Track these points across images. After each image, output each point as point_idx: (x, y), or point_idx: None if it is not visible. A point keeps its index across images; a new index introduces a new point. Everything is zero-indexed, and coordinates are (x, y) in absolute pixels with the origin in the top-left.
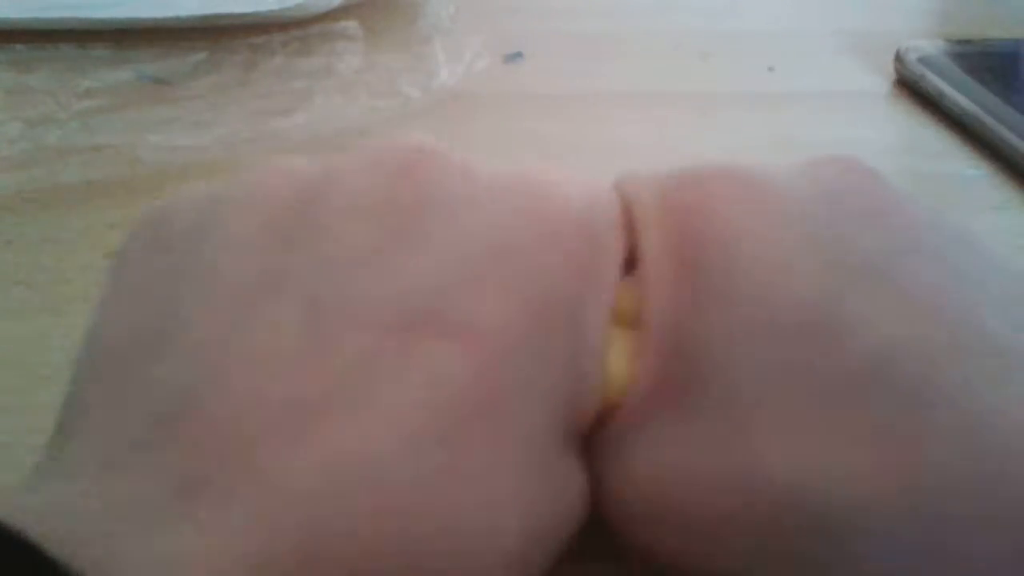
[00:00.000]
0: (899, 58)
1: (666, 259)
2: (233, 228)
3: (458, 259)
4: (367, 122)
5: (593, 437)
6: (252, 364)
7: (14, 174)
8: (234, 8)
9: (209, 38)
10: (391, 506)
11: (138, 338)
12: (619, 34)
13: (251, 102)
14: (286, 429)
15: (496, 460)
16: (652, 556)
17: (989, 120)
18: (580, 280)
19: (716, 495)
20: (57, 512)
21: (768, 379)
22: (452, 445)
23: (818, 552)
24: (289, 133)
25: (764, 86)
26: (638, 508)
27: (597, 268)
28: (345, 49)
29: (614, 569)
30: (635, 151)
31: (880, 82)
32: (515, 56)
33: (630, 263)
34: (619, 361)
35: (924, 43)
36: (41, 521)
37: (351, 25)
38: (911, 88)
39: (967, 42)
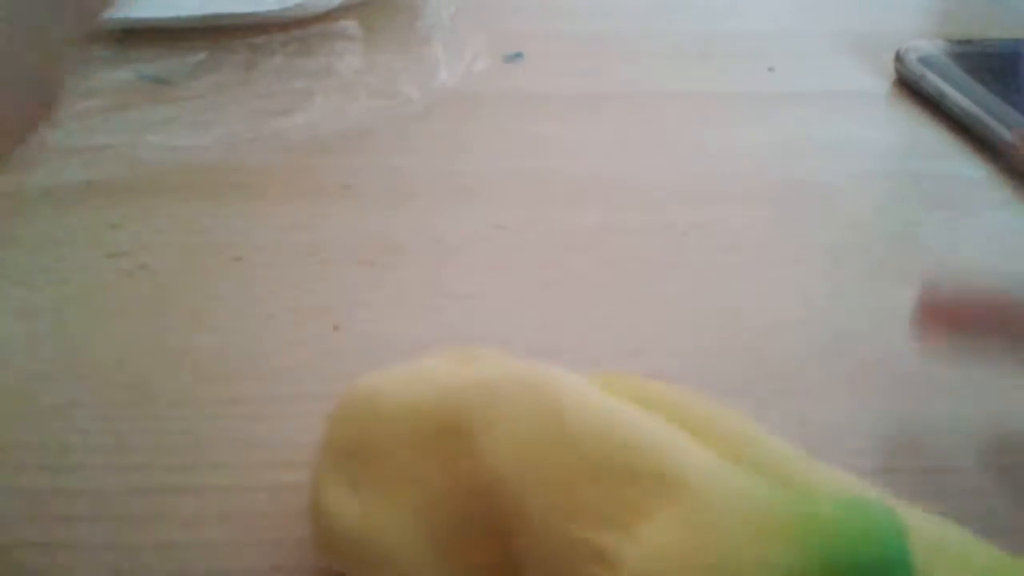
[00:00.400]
0: (899, 58)
1: None
2: None
3: None
4: (367, 122)
5: None
6: None
7: (14, 174)
8: (234, 8)
9: (209, 38)
10: None
11: None
12: (619, 34)
13: (251, 102)
14: None
15: None
16: None
17: (989, 120)
18: None
19: None
20: None
21: None
22: None
23: None
24: (289, 133)
25: (764, 86)
26: None
27: None
28: (345, 49)
29: None
30: (635, 151)
31: (880, 82)
32: (515, 56)
33: None
34: None
35: (924, 43)
36: None
37: (351, 25)
38: (911, 88)
39: (967, 42)
